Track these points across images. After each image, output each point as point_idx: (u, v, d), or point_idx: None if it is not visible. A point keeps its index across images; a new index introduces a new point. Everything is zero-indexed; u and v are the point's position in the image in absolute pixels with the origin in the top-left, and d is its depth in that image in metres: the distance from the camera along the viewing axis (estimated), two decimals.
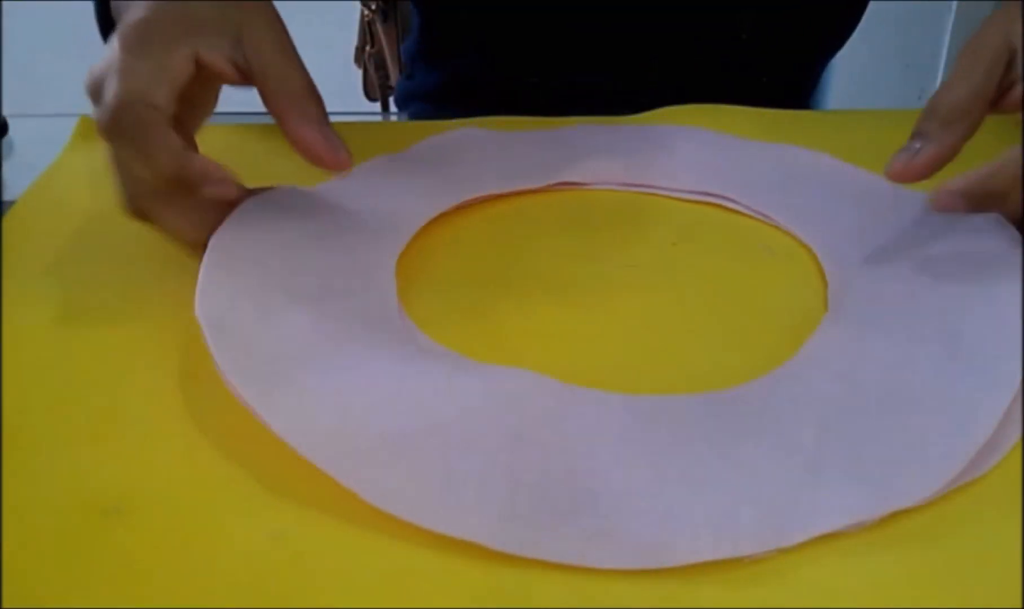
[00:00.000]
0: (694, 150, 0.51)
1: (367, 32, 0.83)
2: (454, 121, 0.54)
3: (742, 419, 0.32)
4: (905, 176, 0.40)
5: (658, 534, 0.27)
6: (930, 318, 0.36)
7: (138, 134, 0.35)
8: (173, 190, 0.37)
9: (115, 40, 0.37)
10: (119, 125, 0.35)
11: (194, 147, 0.38)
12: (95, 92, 0.37)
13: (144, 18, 0.37)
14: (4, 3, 1.56)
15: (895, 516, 0.28)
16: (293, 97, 0.38)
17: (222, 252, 0.38)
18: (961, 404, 0.31)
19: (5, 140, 0.54)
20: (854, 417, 0.31)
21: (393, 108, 0.82)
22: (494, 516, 0.27)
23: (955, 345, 0.34)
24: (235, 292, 0.36)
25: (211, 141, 0.43)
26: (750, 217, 0.46)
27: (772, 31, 0.63)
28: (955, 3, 1.67)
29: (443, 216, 0.45)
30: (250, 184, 0.43)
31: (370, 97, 0.86)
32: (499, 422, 0.30)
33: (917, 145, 0.40)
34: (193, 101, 0.39)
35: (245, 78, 0.39)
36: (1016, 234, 0.39)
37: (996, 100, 0.39)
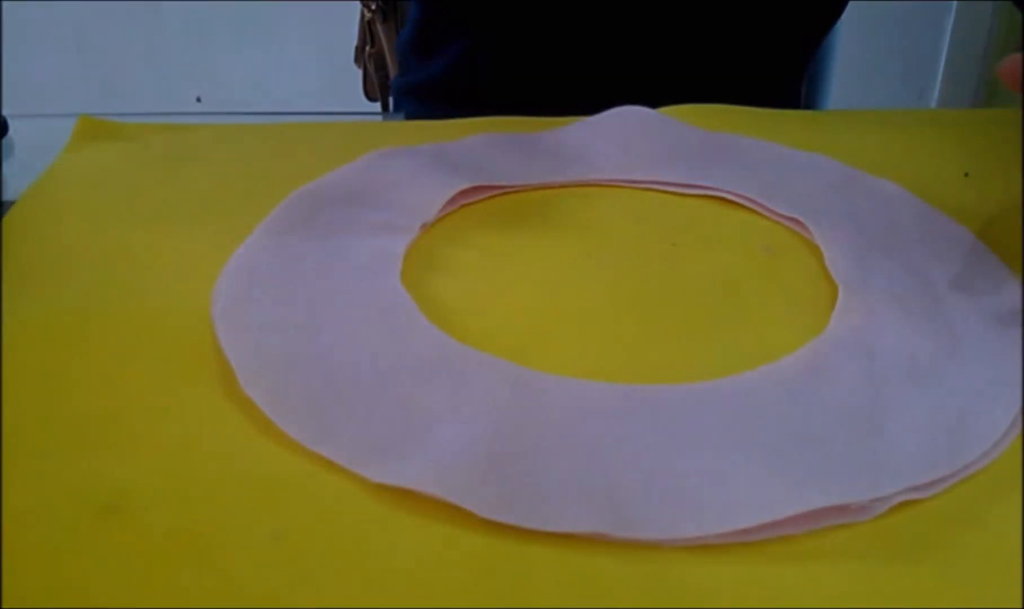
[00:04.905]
0: (692, 146, 0.51)
1: (367, 32, 0.84)
2: (454, 121, 0.54)
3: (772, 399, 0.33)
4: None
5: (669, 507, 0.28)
6: (929, 315, 0.37)
7: None
8: None
9: None
10: None
11: None
12: None
13: None
14: (4, 3, 1.56)
15: (894, 515, 0.28)
16: None
17: (240, 259, 0.39)
18: (974, 392, 0.33)
19: (5, 140, 0.54)
20: (890, 393, 0.33)
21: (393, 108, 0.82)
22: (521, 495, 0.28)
23: (955, 342, 0.35)
24: (250, 289, 0.37)
25: (210, 141, 0.43)
26: (752, 213, 0.46)
27: (757, 17, 0.64)
28: (955, 3, 1.67)
29: (442, 214, 0.45)
30: (250, 184, 0.43)
31: (370, 97, 0.87)
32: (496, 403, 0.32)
33: None
34: None
35: None
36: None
37: None
